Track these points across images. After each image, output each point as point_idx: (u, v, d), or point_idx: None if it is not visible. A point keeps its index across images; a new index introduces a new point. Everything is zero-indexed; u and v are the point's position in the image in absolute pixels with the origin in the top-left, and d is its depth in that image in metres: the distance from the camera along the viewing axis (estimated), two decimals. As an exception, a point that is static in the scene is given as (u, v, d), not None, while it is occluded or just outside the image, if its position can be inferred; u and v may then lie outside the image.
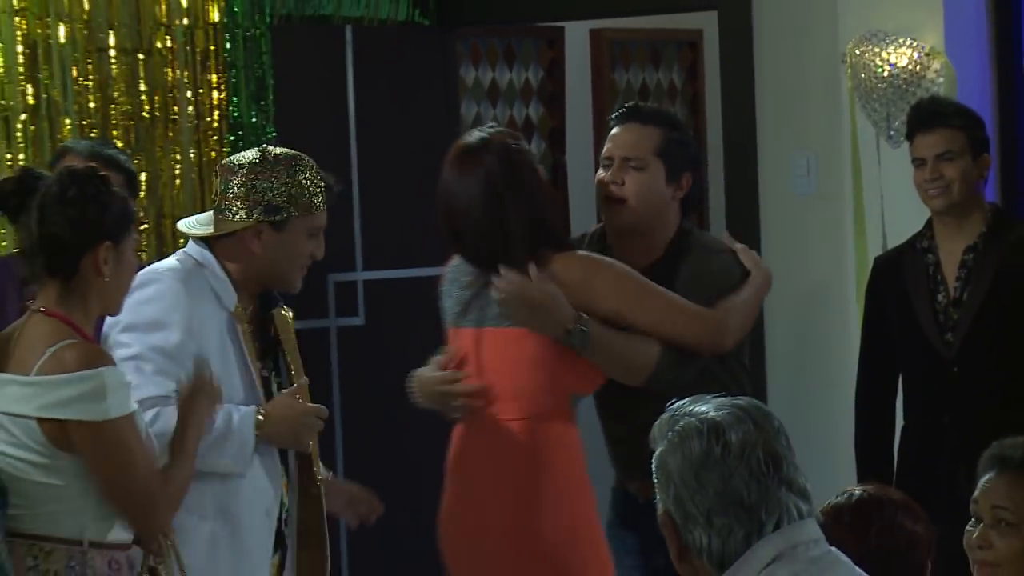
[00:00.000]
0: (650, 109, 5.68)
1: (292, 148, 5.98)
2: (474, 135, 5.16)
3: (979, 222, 5.73)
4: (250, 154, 4.90)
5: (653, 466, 3.33)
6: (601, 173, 5.38)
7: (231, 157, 4.93)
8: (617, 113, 5.42)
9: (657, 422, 3.35)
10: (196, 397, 4.54)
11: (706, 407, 3.32)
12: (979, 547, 3.94)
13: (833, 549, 3.32)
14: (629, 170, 5.27)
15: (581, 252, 5.22)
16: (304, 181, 4.86)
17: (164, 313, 4.66)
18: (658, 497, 3.32)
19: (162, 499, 4.37)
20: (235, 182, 4.77)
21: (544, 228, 5.10)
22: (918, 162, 5.75)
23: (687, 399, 3.37)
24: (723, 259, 5.35)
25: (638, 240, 5.34)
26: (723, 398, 3.36)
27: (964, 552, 4.04)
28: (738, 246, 5.31)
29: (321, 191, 4.86)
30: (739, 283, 5.32)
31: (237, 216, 4.75)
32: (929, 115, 5.80)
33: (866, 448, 5.92)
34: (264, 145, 5.24)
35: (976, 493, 3.97)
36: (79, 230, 4.30)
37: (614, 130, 5.33)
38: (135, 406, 4.32)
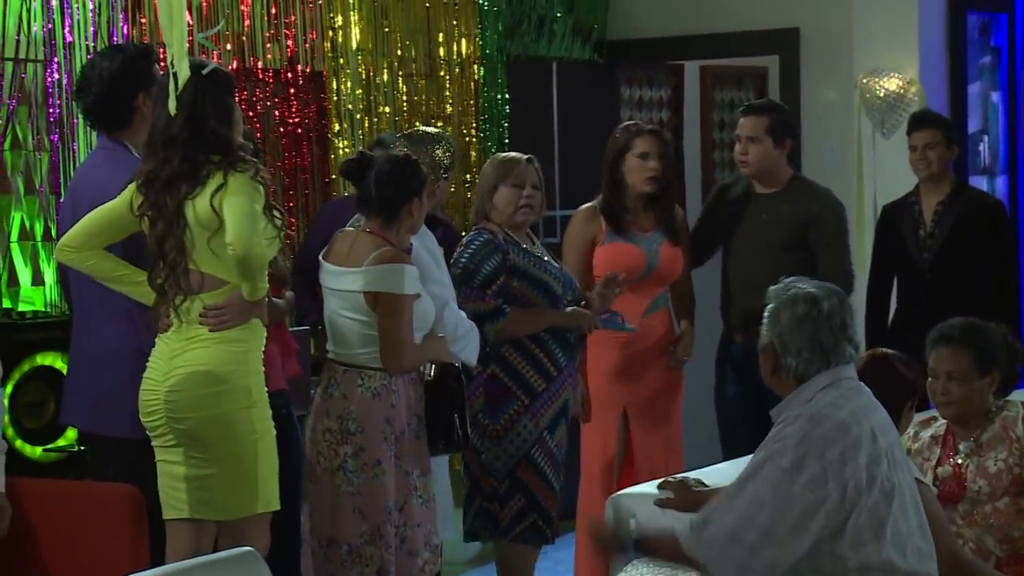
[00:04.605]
0: (759, 103, 5.97)
1: (523, 134, 6.89)
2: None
3: (947, 186, 6.07)
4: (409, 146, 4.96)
5: (767, 313, 3.56)
6: (737, 146, 5.78)
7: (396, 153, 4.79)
8: (742, 108, 5.86)
9: (774, 288, 3.60)
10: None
11: (806, 284, 3.57)
12: (943, 394, 4.17)
13: (861, 383, 3.57)
14: (750, 144, 5.73)
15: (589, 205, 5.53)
16: (448, 150, 5.04)
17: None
18: (766, 333, 3.55)
19: (407, 354, 4.50)
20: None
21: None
22: (912, 148, 6.04)
23: (792, 278, 3.62)
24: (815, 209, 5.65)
25: (764, 179, 5.73)
26: (817, 281, 3.63)
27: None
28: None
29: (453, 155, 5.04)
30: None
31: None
32: (923, 119, 6.15)
33: (872, 322, 6.16)
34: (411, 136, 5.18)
35: (931, 361, 4.20)
36: (402, 194, 4.56)
37: (740, 120, 5.74)
38: (416, 290, 4.49)
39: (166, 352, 4.12)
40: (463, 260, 5.03)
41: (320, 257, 4.65)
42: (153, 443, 4.17)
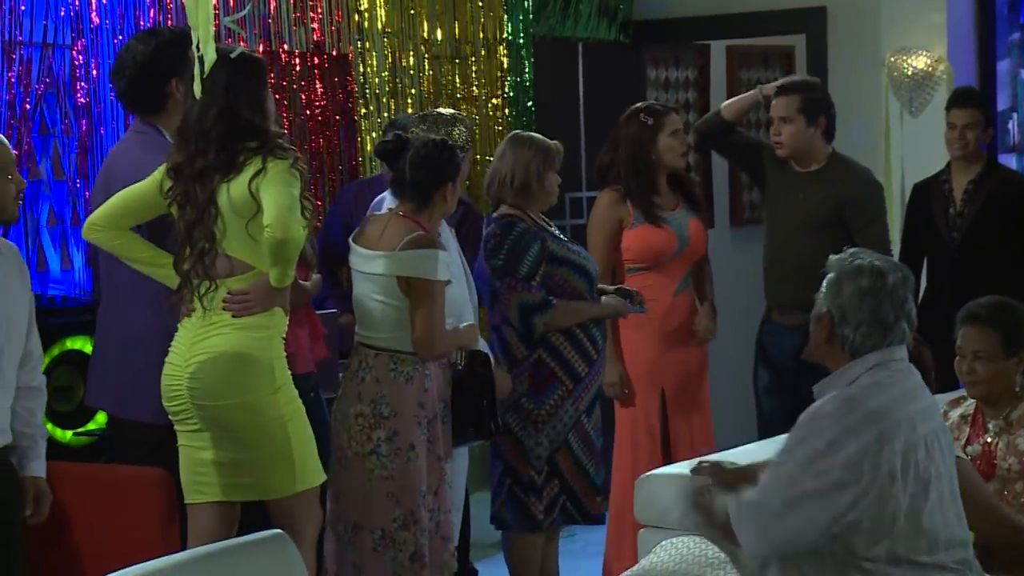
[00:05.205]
0: (791, 83, 5.86)
1: (549, 115, 6.87)
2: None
3: (978, 166, 6.10)
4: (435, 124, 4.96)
5: (827, 282, 3.48)
6: (772, 127, 5.76)
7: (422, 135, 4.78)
8: (776, 88, 5.78)
9: (836, 256, 3.52)
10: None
11: (870, 257, 3.49)
12: (968, 373, 4.17)
13: (911, 365, 3.49)
14: (783, 124, 5.70)
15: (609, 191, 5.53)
16: (464, 130, 5.03)
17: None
18: (823, 301, 3.48)
19: (439, 341, 4.51)
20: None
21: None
22: (951, 125, 6.03)
23: (856, 248, 3.55)
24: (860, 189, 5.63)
25: (801, 158, 5.70)
26: (880, 254, 3.55)
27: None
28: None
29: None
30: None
31: None
32: (966, 97, 6.16)
33: None
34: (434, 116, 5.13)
35: (959, 340, 4.18)
36: (436, 178, 4.58)
37: (773, 101, 5.73)
38: (447, 276, 4.51)
39: (188, 338, 4.12)
40: (504, 251, 4.97)
41: (351, 240, 4.65)
42: (176, 427, 4.18)
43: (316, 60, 6.54)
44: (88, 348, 5.02)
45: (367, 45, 6.64)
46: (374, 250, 4.53)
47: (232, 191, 4.06)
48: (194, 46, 4.06)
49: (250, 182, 4.02)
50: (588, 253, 5.28)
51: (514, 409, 4.96)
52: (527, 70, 7.28)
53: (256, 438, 4.08)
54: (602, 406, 5.21)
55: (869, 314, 3.42)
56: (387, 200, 4.91)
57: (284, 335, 4.18)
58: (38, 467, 3.95)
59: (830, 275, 3.48)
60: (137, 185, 4.20)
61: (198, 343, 4.09)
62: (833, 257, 3.51)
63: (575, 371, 5.03)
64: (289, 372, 4.17)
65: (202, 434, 4.12)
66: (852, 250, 3.52)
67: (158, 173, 4.17)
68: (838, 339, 3.45)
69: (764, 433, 5.54)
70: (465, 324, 4.66)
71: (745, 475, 3.93)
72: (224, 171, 4.05)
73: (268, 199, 3.98)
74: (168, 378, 4.13)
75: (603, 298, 5.12)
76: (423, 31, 6.89)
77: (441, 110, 5.27)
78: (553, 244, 5.02)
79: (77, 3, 5.53)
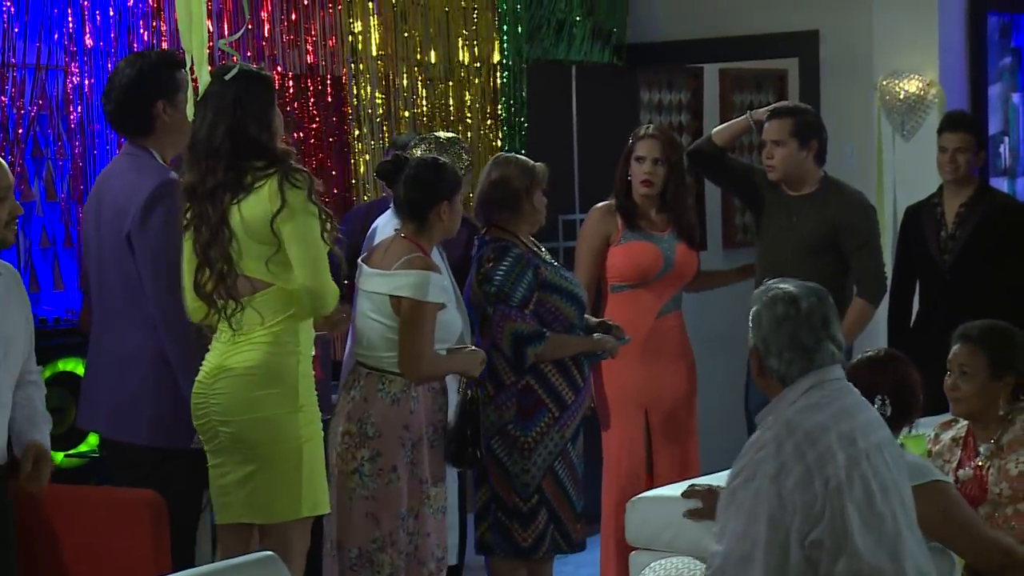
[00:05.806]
0: (783, 107, 5.88)
1: (542, 138, 6.86)
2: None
3: (970, 189, 6.07)
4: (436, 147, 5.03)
5: (750, 316, 3.53)
6: (764, 151, 5.73)
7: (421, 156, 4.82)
8: (767, 113, 5.78)
9: (756, 291, 3.58)
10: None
11: (786, 285, 3.53)
12: (952, 389, 4.24)
13: (849, 384, 3.52)
14: (775, 147, 5.71)
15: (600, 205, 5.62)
16: (466, 154, 5.10)
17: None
18: (751, 336, 3.53)
19: (425, 363, 4.50)
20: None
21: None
22: (942, 149, 6.01)
23: (777, 279, 3.59)
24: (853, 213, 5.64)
25: (793, 182, 5.70)
26: (799, 281, 3.56)
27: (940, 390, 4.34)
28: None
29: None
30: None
31: None
32: (957, 121, 6.13)
33: (895, 323, 6.21)
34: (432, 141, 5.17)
35: (950, 356, 4.25)
36: (428, 197, 4.60)
37: (765, 125, 5.72)
38: (440, 299, 4.52)
39: (216, 358, 4.12)
40: (498, 278, 4.94)
41: (360, 260, 4.66)
42: (204, 447, 4.16)
43: (310, 83, 6.56)
44: (80, 370, 5.00)
45: (361, 67, 6.66)
46: (375, 268, 4.57)
47: (244, 212, 4.05)
48: (187, 68, 4.08)
49: (272, 219, 3.99)
50: (575, 274, 5.28)
51: (501, 436, 4.95)
52: (521, 93, 7.28)
53: (270, 454, 4.05)
54: (588, 431, 5.18)
55: (788, 339, 3.45)
56: (382, 222, 4.91)
57: (312, 352, 4.16)
58: (39, 434, 3.86)
59: (752, 309, 3.52)
60: (184, 254, 4.16)
61: (226, 360, 4.08)
62: (755, 291, 3.56)
63: (562, 399, 5.01)
64: (315, 394, 4.14)
65: (221, 454, 4.11)
66: (770, 281, 3.55)
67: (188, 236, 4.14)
68: (767, 370, 3.49)
69: None
70: (468, 349, 4.66)
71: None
72: (233, 190, 4.04)
73: (296, 253, 4.00)
74: (196, 396, 4.13)
75: (595, 335, 5.09)
76: (417, 54, 6.91)
77: (439, 133, 5.27)
78: (546, 271, 5.00)
79: (71, 26, 5.55)
